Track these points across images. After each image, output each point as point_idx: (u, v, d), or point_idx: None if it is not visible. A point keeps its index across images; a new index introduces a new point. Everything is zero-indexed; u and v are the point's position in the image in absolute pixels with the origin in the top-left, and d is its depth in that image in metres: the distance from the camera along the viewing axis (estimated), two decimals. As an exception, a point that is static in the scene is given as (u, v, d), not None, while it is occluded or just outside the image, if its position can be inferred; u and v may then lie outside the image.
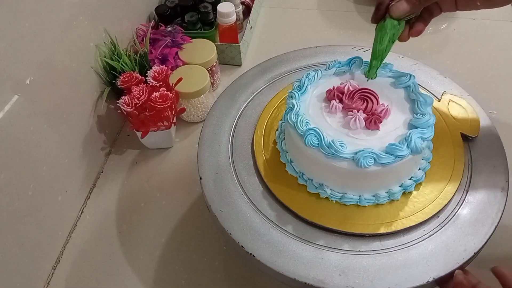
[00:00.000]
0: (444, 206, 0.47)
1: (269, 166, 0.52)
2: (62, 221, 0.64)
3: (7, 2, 0.49)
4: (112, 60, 0.69)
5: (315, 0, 1.03)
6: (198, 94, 0.72)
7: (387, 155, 0.44)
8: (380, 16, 0.47)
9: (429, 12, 0.49)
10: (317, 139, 0.45)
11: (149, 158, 0.74)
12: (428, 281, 0.42)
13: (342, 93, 0.49)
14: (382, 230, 0.46)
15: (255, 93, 0.60)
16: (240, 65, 0.87)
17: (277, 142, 0.54)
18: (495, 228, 0.45)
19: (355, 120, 0.46)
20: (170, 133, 0.71)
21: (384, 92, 0.50)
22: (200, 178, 0.52)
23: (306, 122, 0.47)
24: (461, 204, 0.48)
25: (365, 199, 0.47)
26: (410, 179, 0.49)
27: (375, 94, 0.49)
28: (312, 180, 0.49)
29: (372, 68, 0.50)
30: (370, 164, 0.43)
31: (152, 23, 0.82)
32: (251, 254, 0.45)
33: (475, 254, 0.44)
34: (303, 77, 0.51)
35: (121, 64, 0.70)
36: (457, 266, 0.43)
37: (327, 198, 0.48)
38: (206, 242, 0.62)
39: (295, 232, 0.47)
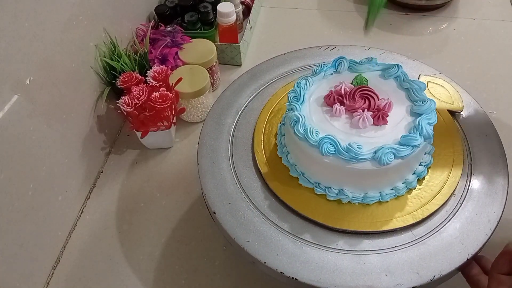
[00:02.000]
0: (457, 184, 0.49)
1: (272, 170, 0.51)
2: (62, 221, 0.64)
3: (7, 2, 0.49)
4: (112, 60, 0.69)
5: (315, 0, 1.03)
6: (198, 94, 0.72)
7: (404, 147, 0.44)
8: None
9: None
10: (333, 146, 0.45)
11: (149, 158, 0.74)
12: (467, 259, 0.43)
13: (341, 95, 0.49)
14: (412, 220, 0.46)
15: (255, 93, 0.60)
16: (240, 65, 0.87)
17: (281, 157, 0.52)
18: (507, 193, 0.48)
19: (363, 119, 0.46)
20: (170, 133, 0.71)
21: (378, 86, 0.50)
22: (200, 179, 0.52)
23: (316, 131, 0.46)
24: (471, 178, 0.50)
25: (386, 194, 0.47)
26: (420, 164, 0.50)
27: (373, 90, 0.49)
28: (330, 187, 0.48)
29: (370, 18, 0.50)
30: (391, 160, 0.44)
31: (152, 23, 0.82)
32: (293, 278, 0.43)
33: (498, 222, 0.46)
34: (296, 86, 0.51)
35: (121, 64, 0.70)
36: (487, 238, 0.44)
37: (338, 200, 0.48)
38: (206, 242, 0.62)
39: (317, 241, 0.46)
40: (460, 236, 0.45)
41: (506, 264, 0.41)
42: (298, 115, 0.47)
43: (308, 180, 0.49)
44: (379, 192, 0.48)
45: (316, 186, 0.49)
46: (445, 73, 0.61)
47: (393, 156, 0.44)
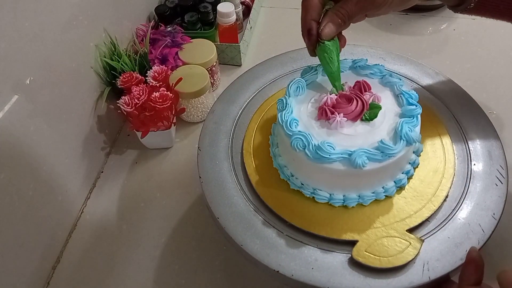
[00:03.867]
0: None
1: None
2: (62, 221, 0.64)
3: (7, 2, 0.49)
4: (112, 60, 0.70)
5: (315, 0, 1.03)
6: (198, 94, 0.72)
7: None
8: (315, 42, 0.48)
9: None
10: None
11: (149, 158, 0.74)
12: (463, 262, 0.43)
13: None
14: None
15: (255, 93, 0.60)
16: (240, 65, 0.87)
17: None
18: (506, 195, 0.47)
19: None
20: (170, 133, 0.71)
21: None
22: (200, 179, 0.52)
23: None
24: (470, 180, 0.50)
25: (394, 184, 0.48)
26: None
27: (364, 83, 0.50)
28: (332, 194, 0.48)
29: (337, 88, 0.50)
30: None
31: (152, 23, 0.82)
32: (293, 278, 0.43)
33: (498, 222, 0.46)
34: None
35: (121, 64, 0.70)
36: (488, 236, 0.44)
37: (328, 203, 0.48)
38: (206, 242, 0.62)
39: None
40: (459, 237, 0.45)
41: (473, 273, 0.39)
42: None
43: (321, 196, 0.48)
44: (373, 192, 0.48)
45: (329, 198, 0.48)
46: (445, 73, 0.61)
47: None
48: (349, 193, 0.47)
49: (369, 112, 0.48)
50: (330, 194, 0.48)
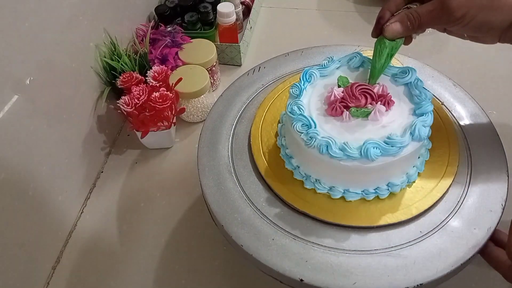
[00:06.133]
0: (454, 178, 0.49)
1: (270, 167, 0.51)
2: (62, 221, 0.64)
3: (7, 2, 0.49)
4: (112, 60, 0.70)
5: (315, 0, 1.03)
6: (198, 94, 0.73)
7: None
8: (379, 30, 0.48)
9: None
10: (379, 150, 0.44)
11: (149, 158, 0.74)
12: (468, 258, 0.43)
13: (345, 100, 0.48)
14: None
15: (255, 93, 0.60)
16: (240, 65, 0.88)
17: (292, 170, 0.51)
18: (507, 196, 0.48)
19: (377, 111, 0.46)
20: (170, 133, 0.72)
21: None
22: (200, 179, 0.52)
23: (350, 145, 0.45)
24: (471, 177, 0.50)
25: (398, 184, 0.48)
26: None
27: (363, 84, 0.49)
28: (347, 189, 0.47)
29: (371, 83, 0.50)
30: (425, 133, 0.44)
31: (152, 23, 0.82)
32: (295, 278, 0.43)
33: (499, 220, 0.46)
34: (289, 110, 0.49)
35: (121, 64, 0.70)
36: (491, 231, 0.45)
37: (341, 197, 0.48)
38: (206, 242, 0.62)
39: (319, 241, 0.46)
40: (461, 232, 0.45)
41: None
42: (324, 139, 0.45)
43: (312, 182, 0.48)
44: (387, 184, 0.48)
45: (318, 186, 0.48)
46: (445, 73, 0.61)
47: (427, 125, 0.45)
48: (394, 179, 0.47)
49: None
50: (376, 189, 0.48)
